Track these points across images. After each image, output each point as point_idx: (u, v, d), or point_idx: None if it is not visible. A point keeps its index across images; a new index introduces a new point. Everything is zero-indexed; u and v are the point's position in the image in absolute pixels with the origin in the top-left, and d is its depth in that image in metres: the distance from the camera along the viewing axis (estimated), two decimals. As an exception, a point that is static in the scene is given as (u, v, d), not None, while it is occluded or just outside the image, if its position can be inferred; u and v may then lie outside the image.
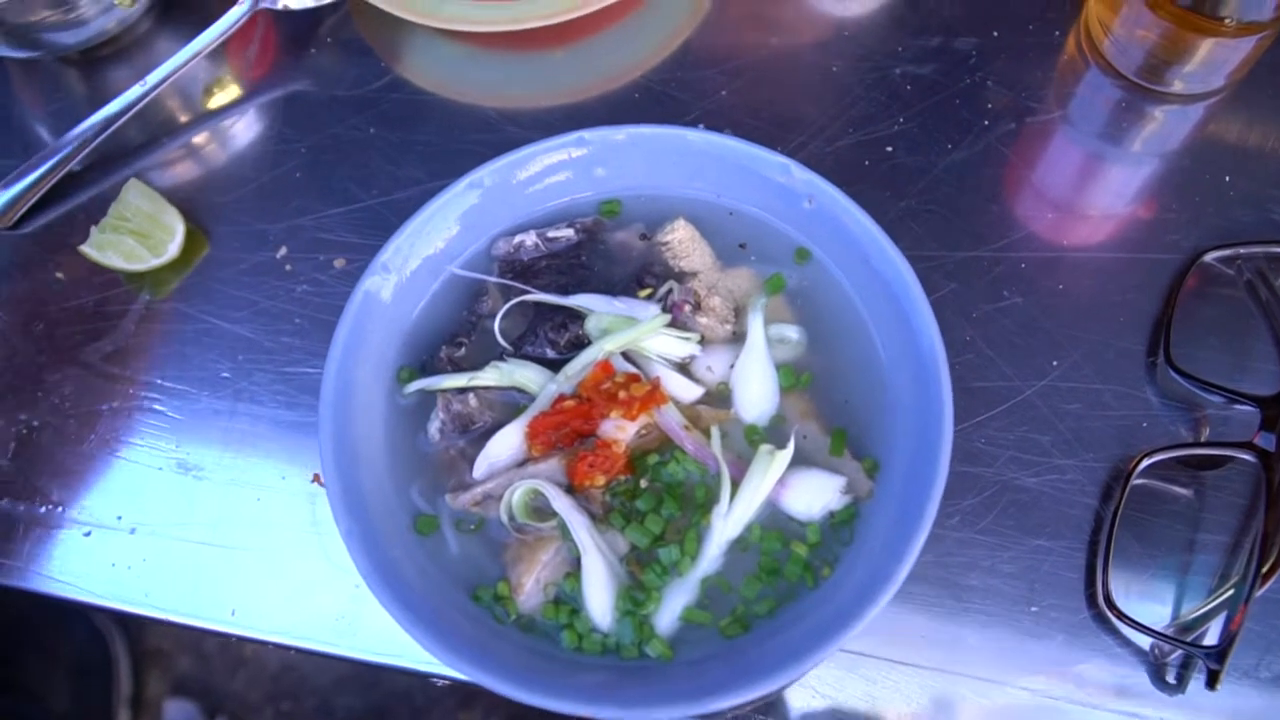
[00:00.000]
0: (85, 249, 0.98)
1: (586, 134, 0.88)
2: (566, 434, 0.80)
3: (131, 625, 1.96)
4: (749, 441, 0.81)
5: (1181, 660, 0.81)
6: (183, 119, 1.10)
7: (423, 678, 0.86)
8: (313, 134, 1.07)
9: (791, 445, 0.78)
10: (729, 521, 0.77)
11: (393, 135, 1.06)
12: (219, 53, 1.11)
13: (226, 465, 0.92)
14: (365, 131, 1.06)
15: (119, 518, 0.91)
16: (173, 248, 0.99)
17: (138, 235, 0.99)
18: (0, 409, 0.96)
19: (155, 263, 0.99)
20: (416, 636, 0.71)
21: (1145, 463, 0.85)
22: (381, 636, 0.85)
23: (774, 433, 0.83)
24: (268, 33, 1.14)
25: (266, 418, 0.94)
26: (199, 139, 1.09)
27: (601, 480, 0.79)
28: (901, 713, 0.82)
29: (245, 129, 1.09)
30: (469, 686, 0.70)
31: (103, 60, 1.14)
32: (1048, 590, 0.84)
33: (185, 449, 0.93)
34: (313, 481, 0.90)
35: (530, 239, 0.88)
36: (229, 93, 1.11)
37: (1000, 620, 0.83)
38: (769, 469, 0.77)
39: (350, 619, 0.86)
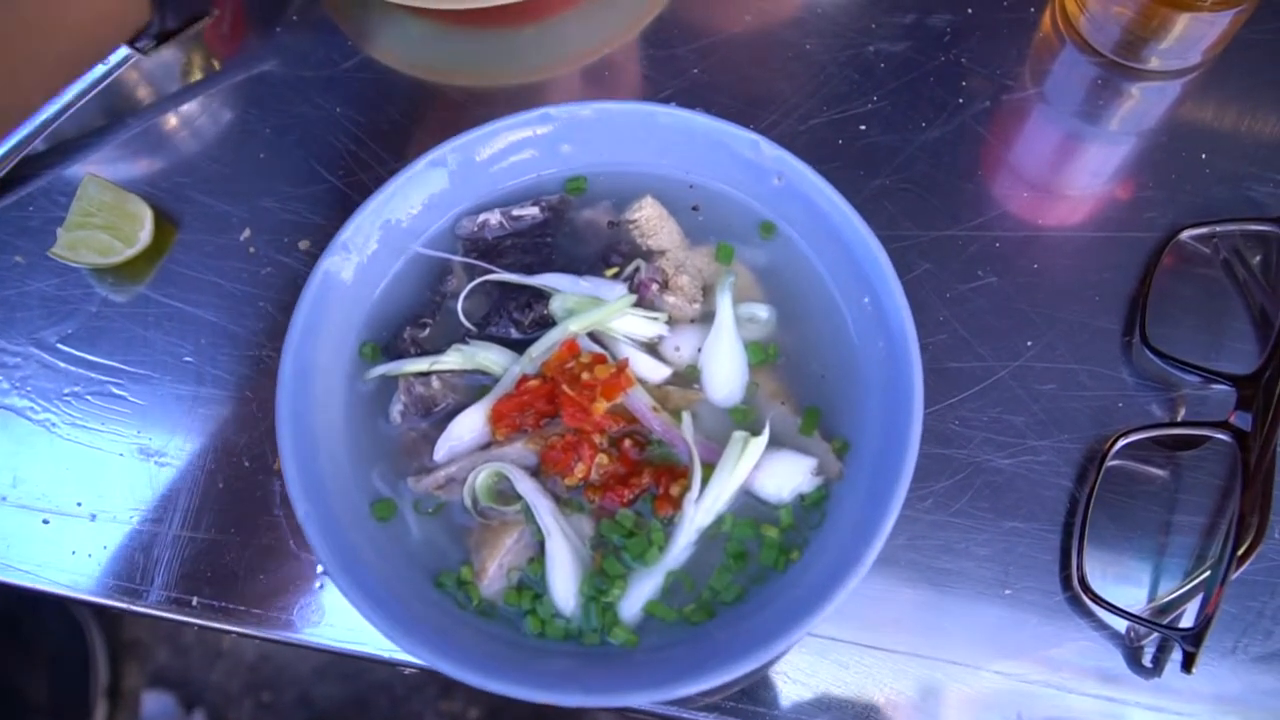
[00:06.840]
0: (57, 251, 0.95)
1: (552, 110, 0.86)
2: (531, 416, 0.79)
3: (108, 616, 1.95)
4: (735, 422, 0.80)
5: (1158, 643, 0.81)
6: (147, 101, 1.07)
7: (395, 666, 0.85)
8: (277, 114, 1.05)
9: (766, 432, 0.76)
10: (700, 509, 0.75)
11: (359, 115, 1.04)
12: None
13: (189, 451, 0.91)
14: (331, 111, 1.04)
15: (79, 504, 0.89)
16: (144, 235, 0.97)
17: (107, 229, 0.96)
18: (-43, 394, 0.94)
19: (130, 253, 0.96)
20: (374, 622, 0.70)
21: (1120, 443, 0.84)
22: (348, 624, 0.84)
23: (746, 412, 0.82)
24: (237, 11, 1.12)
25: (230, 402, 0.92)
26: (163, 121, 1.06)
27: (580, 472, 0.77)
28: (875, 698, 0.80)
29: (209, 110, 1.07)
30: (448, 676, 0.69)
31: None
32: (1022, 573, 0.83)
33: (147, 434, 0.91)
34: (275, 468, 0.89)
35: (495, 218, 0.86)
36: (194, 74, 1.09)
37: (974, 604, 0.82)
38: (742, 456, 0.76)
39: (316, 607, 0.85)
